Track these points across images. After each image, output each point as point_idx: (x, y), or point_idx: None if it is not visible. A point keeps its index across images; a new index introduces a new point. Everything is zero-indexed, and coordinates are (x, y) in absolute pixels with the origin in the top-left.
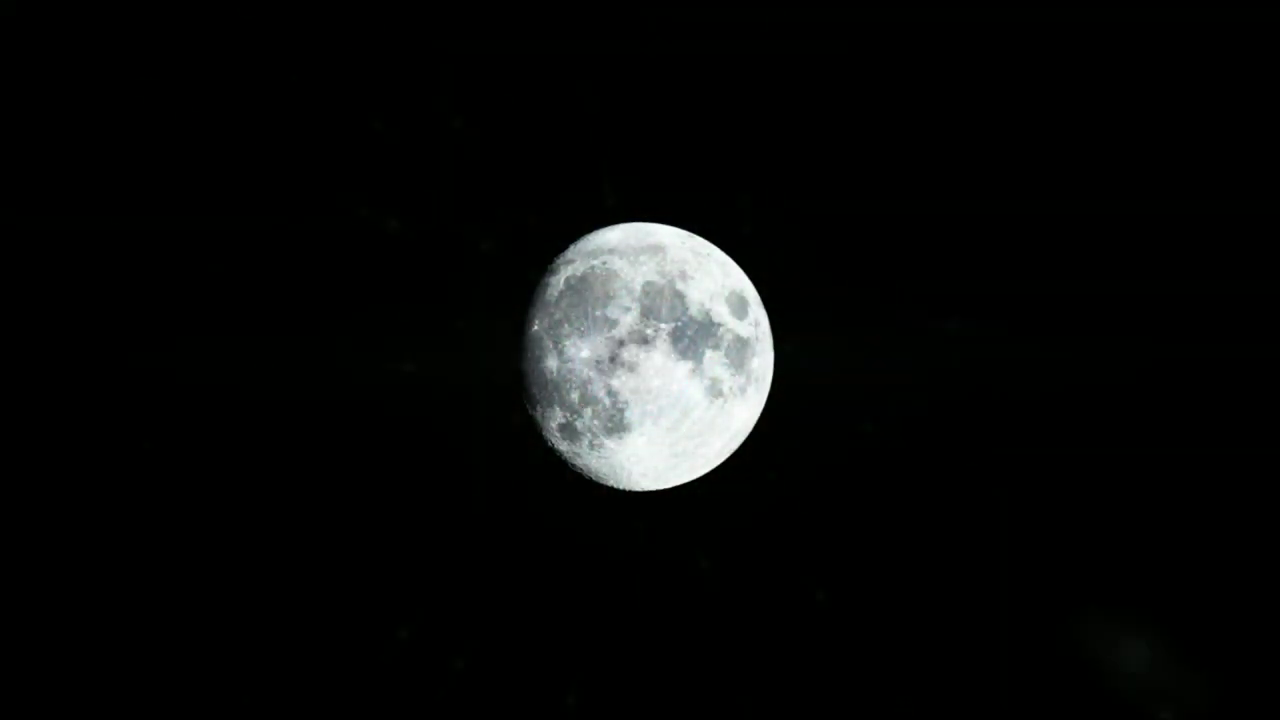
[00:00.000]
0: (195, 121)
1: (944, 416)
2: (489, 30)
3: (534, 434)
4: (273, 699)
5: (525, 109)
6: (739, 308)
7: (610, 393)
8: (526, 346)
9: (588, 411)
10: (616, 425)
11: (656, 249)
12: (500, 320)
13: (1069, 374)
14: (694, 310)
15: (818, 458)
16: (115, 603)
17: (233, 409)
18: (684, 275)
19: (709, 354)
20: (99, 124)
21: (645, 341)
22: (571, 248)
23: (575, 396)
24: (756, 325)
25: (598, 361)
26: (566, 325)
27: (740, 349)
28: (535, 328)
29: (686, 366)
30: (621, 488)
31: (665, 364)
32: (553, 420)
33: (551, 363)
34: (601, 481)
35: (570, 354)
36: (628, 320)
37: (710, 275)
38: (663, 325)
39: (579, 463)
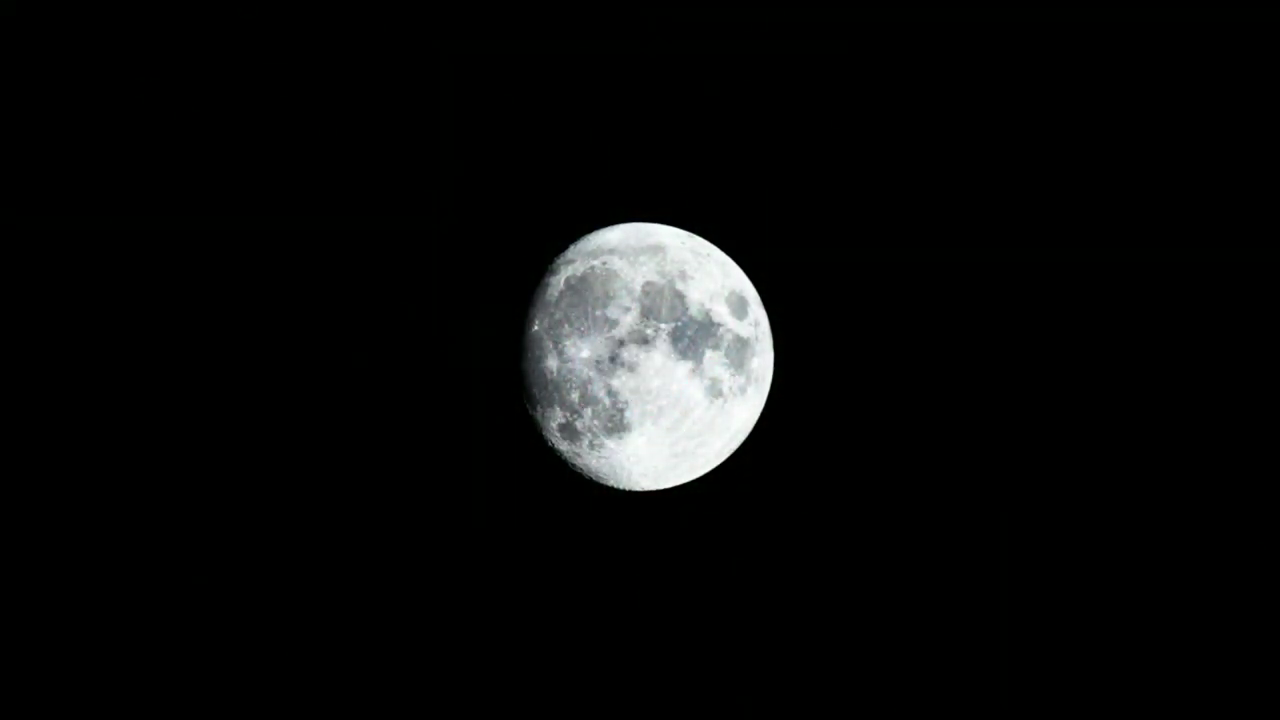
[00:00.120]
0: (195, 122)
1: (944, 416)
2: (489, 30)
3: (534, 434)
4: (272, 699)
5: (525, 109)
6: (739, 308)
7: (610, 393)
8: (526, 346)
9: (588, 411)
10: (616, 425)
11: (656, 249)
12: (500, 320)
13: (1069, 373)
14: (694, 310)
15: (818, 458)
16: (114, 603)
17: (232, 409)
18: (684, 275)
19: (709, 354)
20: (99, 124)
21: (645, 341)
22: (571, 248)
23: (575, 396)
24: (756, 325)
25: (598, 361)
26: (566, 325)
27: (740, 349)
28: (535, 328)
29: (686, 366)
30: (621, 488)
31: (665, 364)
32: (553, 420)
33: (551, 363)
34: (601, 481)
35: (570, 354)
36: (628, 320)
37: (710, 275)
38: (663, 325)
39: (579, 463)
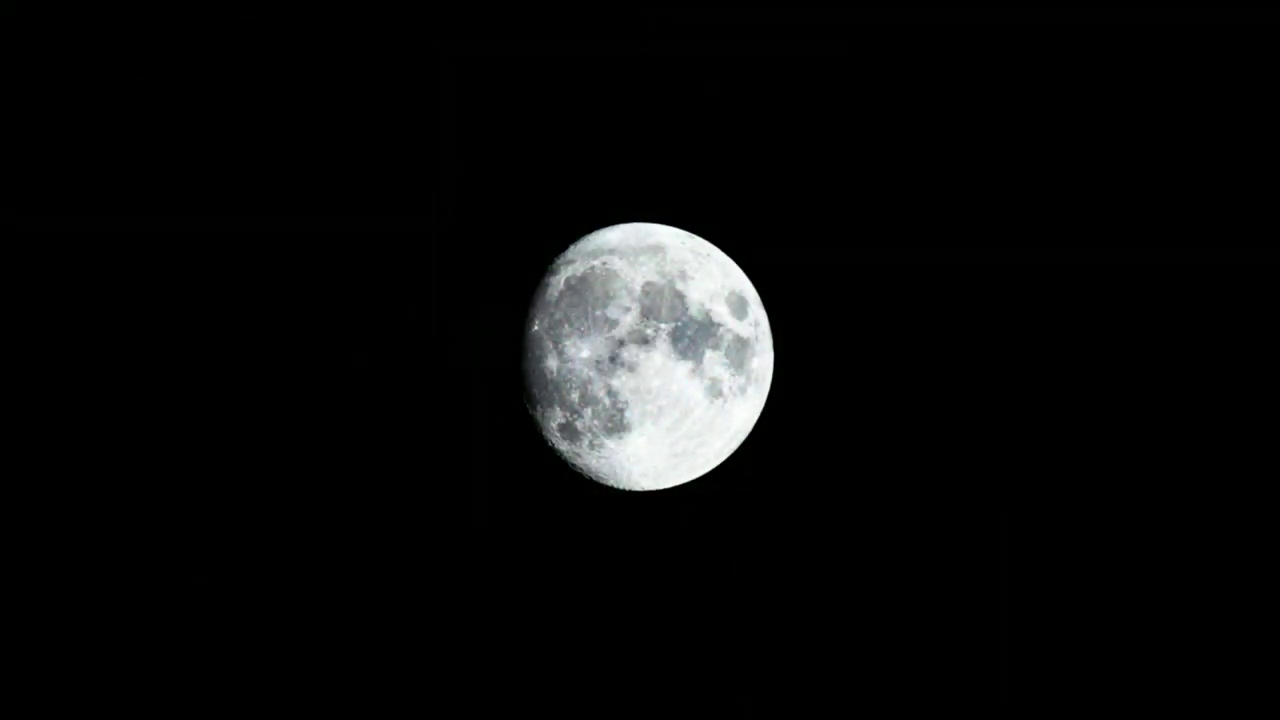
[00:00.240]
0: (195, 122)
1: (944, 416)
2: (489, 30)
3: (534, 434)
4: (273, 699)
5: (525, 109)
6: (739, 308)
7: (610, 393)
8: (526, 346)
9: (588, 411)
10: (616, 425)
11: (656, 249)
12: (500, 320)
13: (1069, 373)
14: (694, 310)
15: (818, 458)
16: (114, 603)
17: (233, 409)
18: (684, 275)
19: (709, 354)
20: (99, 124)
21: (645, 341)
22: (571, 248)
23: (575, 396)
24: (756, 325)
25: (598, 361)
26: (566, 325)
27: (740, 349)
28: (535, 328)
29: (686, 366)
30: (621, 488)
31: (665, 364)
32: (553, 420)
33: (551, 363)
34: (601, 481)
35: (570, 354)
36: (628, 320)
37: (710, 275)
38: (663, 325)
39: (579, 463)
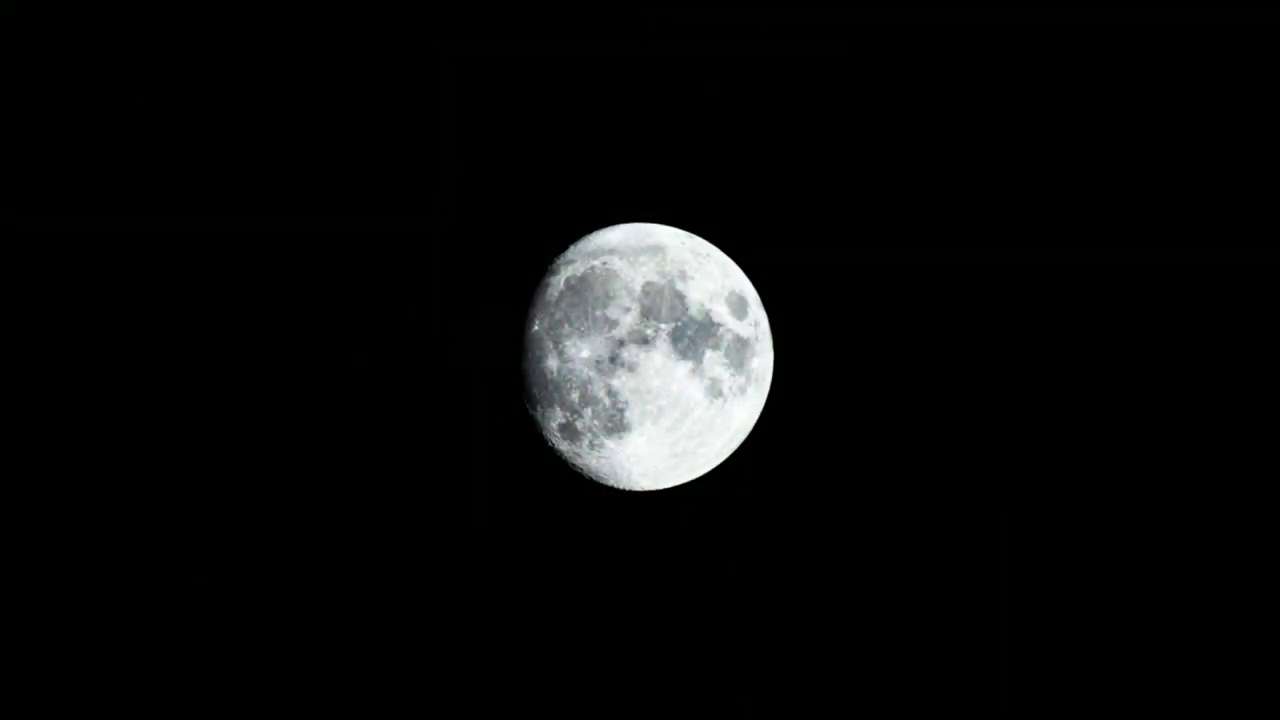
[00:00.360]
0: (195, 122)
1: (944, 416)
2: (489, 30)
3: (534, 434)
4: (273, 699)
5: (525, 109)
6: (739, 308)
7: (610, 393)
8: (526, 346)
9: (588, 411)
10: (616, 425)
11: (656, 249)
12: (500, 320)
13: (1069, 373)
14: (694, 310)
15: (818, 458)
16: (114, 603)
17: (233, 409)
18: (684, 275)
19: (709, 354)
20: (99, 124)
21: (645, 341)
22: (571, 248)
23: (575, 396)
24: (756, 325)
25: (598, 361)
26: (567, 325)
27: (740, 349)
28: (535, 328)
29: (686, 366)
30: (621, 488)
31: (665, 364)
32: (553, 420)
33: (552, 363)
34: (601, 481)
35: (570, 354)
36: (628, 320)
37: (710, 275)
38: (663, 325)
39: (579, 463)
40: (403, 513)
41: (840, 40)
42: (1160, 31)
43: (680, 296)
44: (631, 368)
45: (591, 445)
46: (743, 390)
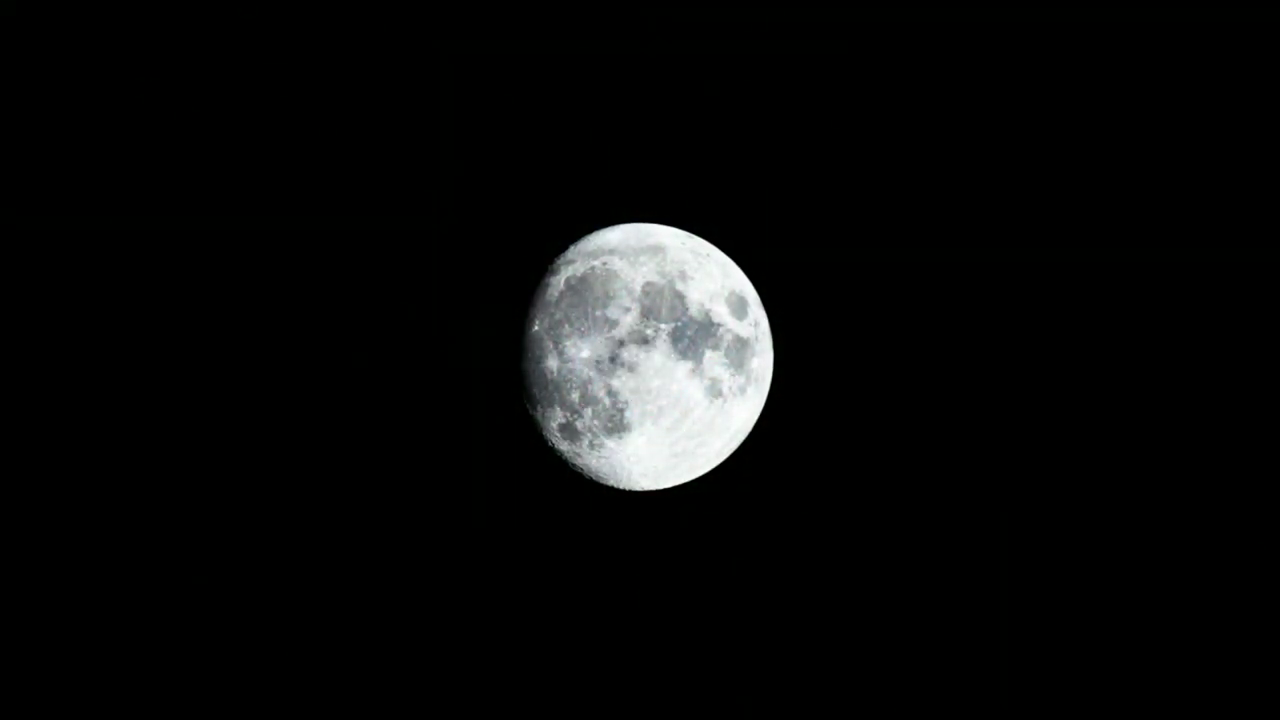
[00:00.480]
0: (195, 122)
1: (944, 416)
2: (489, 30)
3: (534, 434)
4: (274, 700)
5: (525, 109)
6: (739, 308)
7: (610, 393)
8: (526, 346)
9: (588, 411)
10: (616, 425)
11: (656, 249)
12: (500, 320)
13: (1069, 373)
14: (694, 310)
15: (818, 458)
16: (114, 604)
17: (233, 409)
18: (684, 275)
19: (709, 354)
20: (99, 124)
21: (645, 341)
22: (571, 248)
23: (575, 396)
24: (756, 325)
25: (598, 361)
26: (567, 325)
27: (740, 349)
28: (535, 328)
29: (686, 366)
30: (621, 488)
31: (665, 364)
32: (553, 420)
33: (552, 363)
34: (601, 481)
35: (570, 354)
36: (628, 320)
37: (710, 276)
38: (663, 325)
39: (579, 463)
40: (403, 513)
41: (840, 40)
42: (1160, 31)
43: (680, 296)
44: (631, 368)
45: (591, 445)
46: (743, 390)
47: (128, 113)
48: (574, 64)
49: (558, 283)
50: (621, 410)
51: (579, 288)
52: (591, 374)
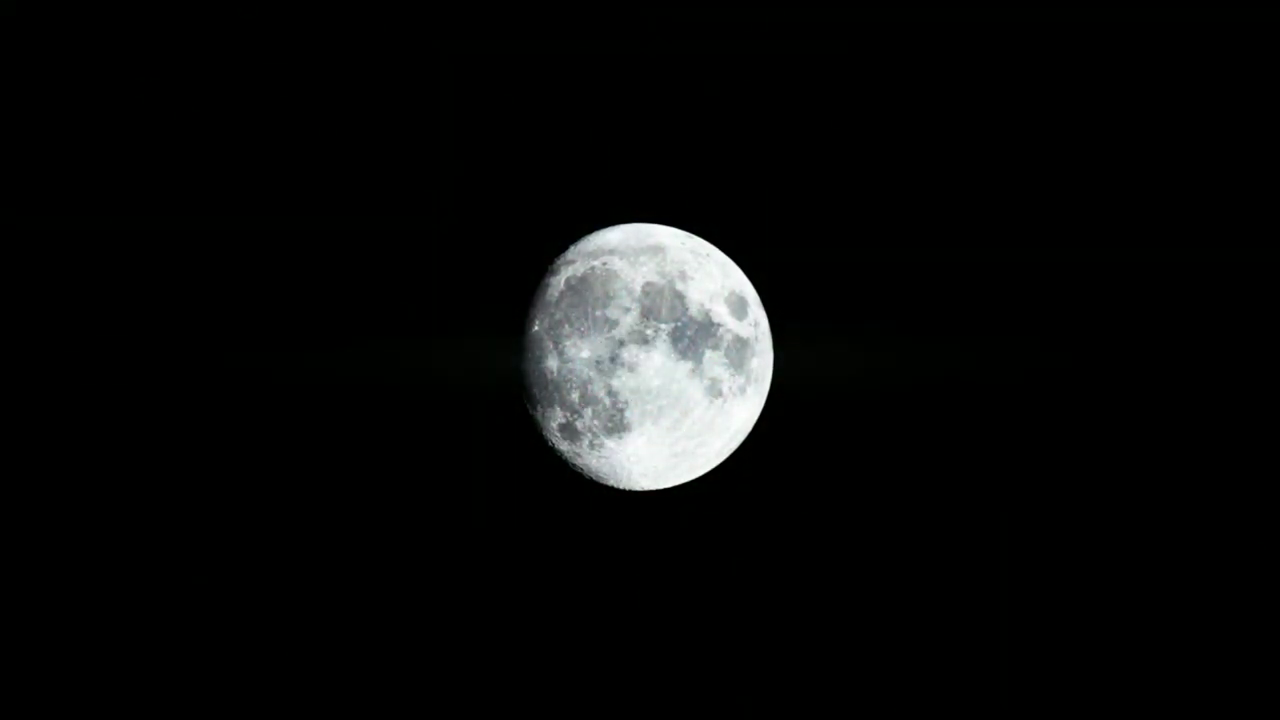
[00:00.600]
0: (195, 122)
1: (944, 416)
2: (489, 30)
3: (534, 434)
4: (273, 700)
5: (525, 109)
6: (739, 308)
7: (610, 393)
8: (526, 346)
9: (588, 411)
10: (616, 425)
11: (656, 249)
12: (500, 320)
13: (1068, 373)
14: (694, 310)
15: (818, 458)
16: (114, 604)
17: (232, 408)
18: (684, 276)
19: (709, 354)
20: (99, 124)
21: (645, 342)
22: (571, 248)
23: (575, 396)
24: (756, 325)
25: (598, 361)
26: (567, 325)
27: (740, 349)
28: (535, 328)
29: (686, 366)
30: (621, 488)
31: (665, 364)
32: (553, 420)
33: (552, 363)
34: (601, 481)
35: (570, 354)
36: (628, 320)
37: (710, 276)
38: (663, 325)
39: (579, 463)
40: (403, 513)
41: (840, 40)
42: (1160, 32)
43: (680, 296)
44: (631, 368)
45: (591, 445)
46: (743, 390)
47: (128, 113)
48: (574, 64)
49: (558, 283)
50: (621, 410)
51: (579, 288)
52: (591, 374)
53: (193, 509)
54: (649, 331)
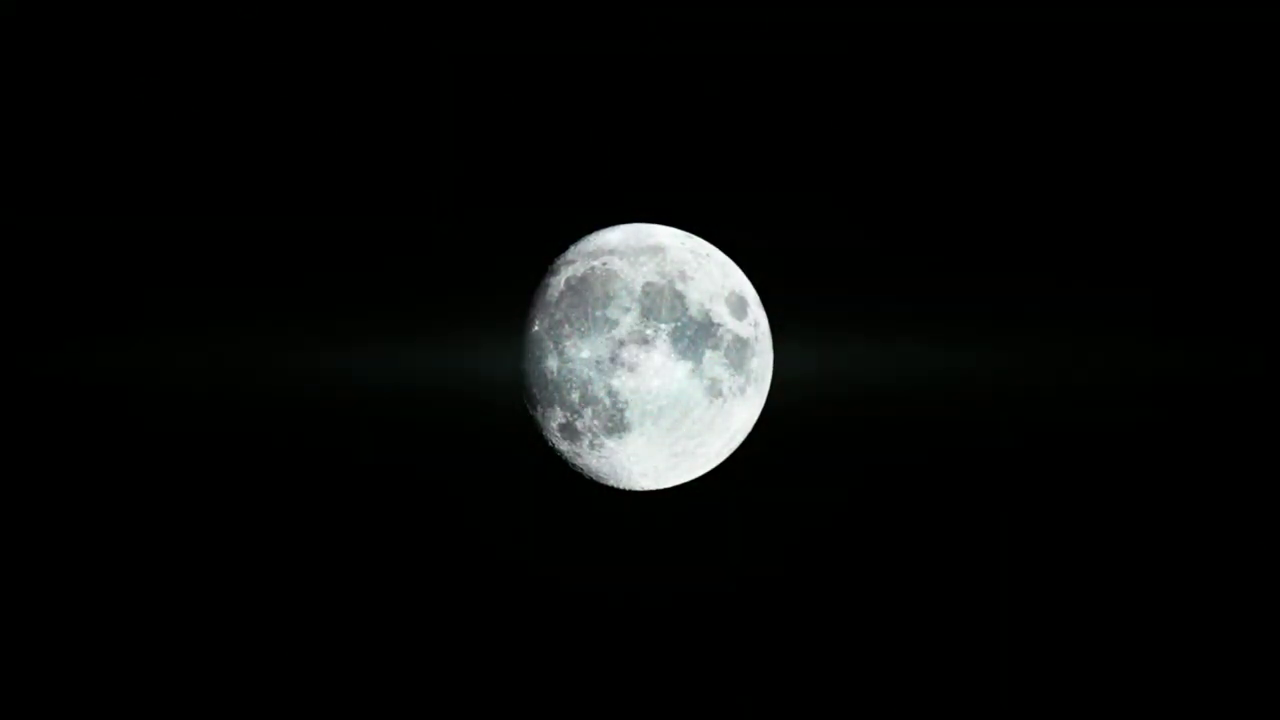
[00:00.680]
0: (195, 122)
1: (943, 416)
2: (489, 30)
3: (534, 434)
4: (273, 700)
5: (525, 109)
6: (739, 308)
7: (610, 393)
8: (527, 346)
9: (588, 411)
10: (616, 425)
11: (656, 249)
12: (500, 320)
13: (1068, 373)
14: (694, 310)
15: (818, 457)
16: (114, 604)
17: (232, 408)
18: (684, 276)
19: (709, 354)
20: (99, 124)
21: (645, 342)
22: (571, 248)
23: (575, 396)
24: (756, 325)
25: (598, 361)
26: (567, 325)
27: (740, 349)
28: (535, 328)
29: (686, 366)
30: (621, 488)
31: (665, 364)
32: (553, 420)
33: (552, 363)
34: (601, 481)
35: (570, 354)
36: (628, 320)
37: (710, 276)
38: (663, 325)
39: (579, 463)
40: (403, 512)
41: (840, 40)
42: (1160, 31)
43: (680, 297)
44: (631, 368)
45: (591, 445)
46: (743, 390)
47: (128, 113)
48: (574, 64)
49: (558, 283)
50: (621, 410)
51: (579, 288)
52: (591, 374)
53: (191, 507)
54: (649, 331)
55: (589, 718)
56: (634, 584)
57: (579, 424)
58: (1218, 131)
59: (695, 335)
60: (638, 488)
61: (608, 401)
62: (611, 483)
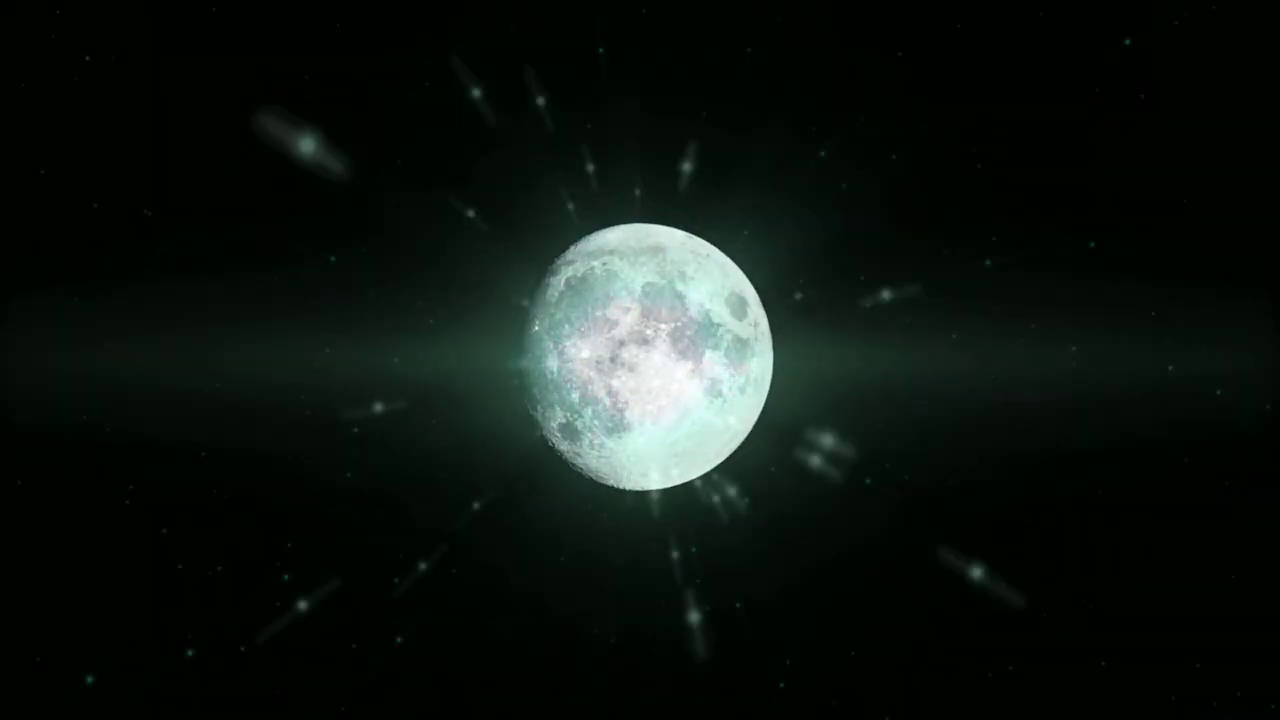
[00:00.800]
0: (195, 122)
1: (943, 416)
2: (489, 30)
3: (534, 434)
4: (272, 700)
5: (525, 109)
6: (739, 308)
7: (610, 393)
8: (527, 346)
9: (588, 411)
10: (616, 425)
11: (656, 250)
12: (500, 320)
13: (1067, 373)
14: (694, 311)
15: (817, 458)
16: (113, 600)
17: (231, 408)
18: (684, 276)
19: (709, 354)
20: (99, 124)
21: (645, 342)
22: (571, 248)
23: (575, 396)
24: (756, 326)
25: (598, 361)
26: (567, 325)
27: (740, 349)
28: (536, 328)
29: (686, 366)
30: (621, 488)
31: (665, 364)
32: (553, 420)
33: (552, 363)
34: (601, 481)
35: (570, 354)
36: (628, 320)
37: (710, 276)
38: (663, 325)
39: (579, 462)
40: (402, 512)
41: (840, 40)
42: (1160, 31)
43: (680, 297)
44: (631, 368)
45: (591, 445)
46: (742, 390)
47: (127, 112)
48: (574, 63)
49: (558, 283)
50: (621, 410)
51: (579, 288)
52: (591, 374)
53: (190, 507)
54: (649, 331)
55: (589, 717)
56: (634, 584)
57: (579, 424)
58: None
59: (695, 335)
60: (638, 488)
61: (608, 401)
62: (611, 483)
